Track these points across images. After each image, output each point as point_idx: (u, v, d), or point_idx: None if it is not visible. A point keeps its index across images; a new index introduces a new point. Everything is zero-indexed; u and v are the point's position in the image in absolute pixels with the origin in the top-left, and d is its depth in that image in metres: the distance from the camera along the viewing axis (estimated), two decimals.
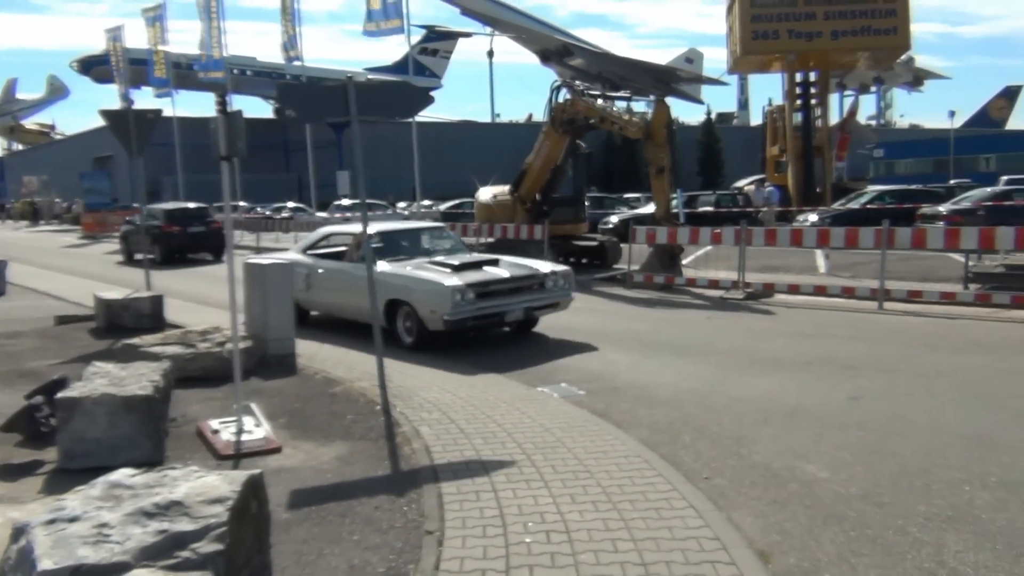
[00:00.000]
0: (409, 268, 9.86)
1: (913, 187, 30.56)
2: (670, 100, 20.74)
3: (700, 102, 59.91)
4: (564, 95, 18.30)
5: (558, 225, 17.63)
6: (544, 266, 10.43)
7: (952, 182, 36.39)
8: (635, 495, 4.84)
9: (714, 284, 14.21)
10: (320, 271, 10.93)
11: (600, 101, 18.58)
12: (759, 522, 4.56)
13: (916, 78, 54.35)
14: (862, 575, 3.91)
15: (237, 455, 5.77)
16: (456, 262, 9.84)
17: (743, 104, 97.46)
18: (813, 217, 24.87)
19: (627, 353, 9.22)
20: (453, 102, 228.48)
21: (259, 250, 25.27)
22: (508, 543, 4.22)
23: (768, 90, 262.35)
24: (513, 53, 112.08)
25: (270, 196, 48.32)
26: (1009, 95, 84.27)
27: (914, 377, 7.78)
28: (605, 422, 6.41)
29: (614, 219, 24.95)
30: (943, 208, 21.53)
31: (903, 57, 42.74)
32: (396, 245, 10.79)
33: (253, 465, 5.35)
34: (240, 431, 6.10)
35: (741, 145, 70.51)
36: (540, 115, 20.87)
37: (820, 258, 17.32)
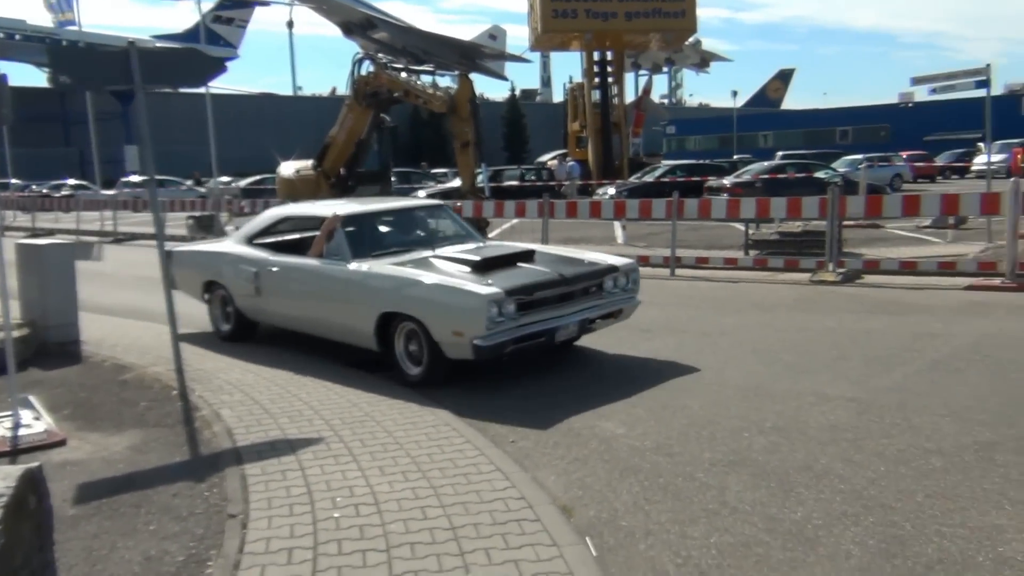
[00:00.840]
0: (410, 268, 7.04)
1: (701, 162, 32.72)
2: (475, 76, 20.95)
3: (504, 78, 60.77)
4: (367, 68, 18.04)
5: None
6: (600, 258, 7.77)
7: (735, 157, 39.22)
8: (444, 463, 4.91)
9: None
10: (274, 269, 8.01)
11: (404, 75, 18.45)
12: (562, 479, 4.76)
13: (703, 60, 57.75)
14: (655, 519, 4.18)
15: (14, 451, 5.30)
16: (477, 257, 7.14)
17: (546, 81, 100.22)
18: (611, 190, 26.06)
19: None
20: (252, 74, 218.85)
21: (35, 232, 23.22)
22: (316, 520, 4.16)
23: (569, 68, 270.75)
24: (315, 24, 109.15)
25: (48, 172, 44.37)
26: (783, 77, 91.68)
27: (701, 336, 8.37)
28: (415, 393, 6.42)
29: (421, 194, 24.96)
30: (727, 181, 23.17)
31: (691, 40, 45.34)
32: (379, 233, 8.08)
33: (33, 460, 4.94)
34: (17, 425, 5.61)
35: (544, 121, 72.38)
36: (344, 88, 20.46)
37: (618, 229, 18.16)
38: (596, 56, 38.26)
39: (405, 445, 5.24)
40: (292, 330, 8.27)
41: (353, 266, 7.27)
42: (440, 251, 7.55)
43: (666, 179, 26.25)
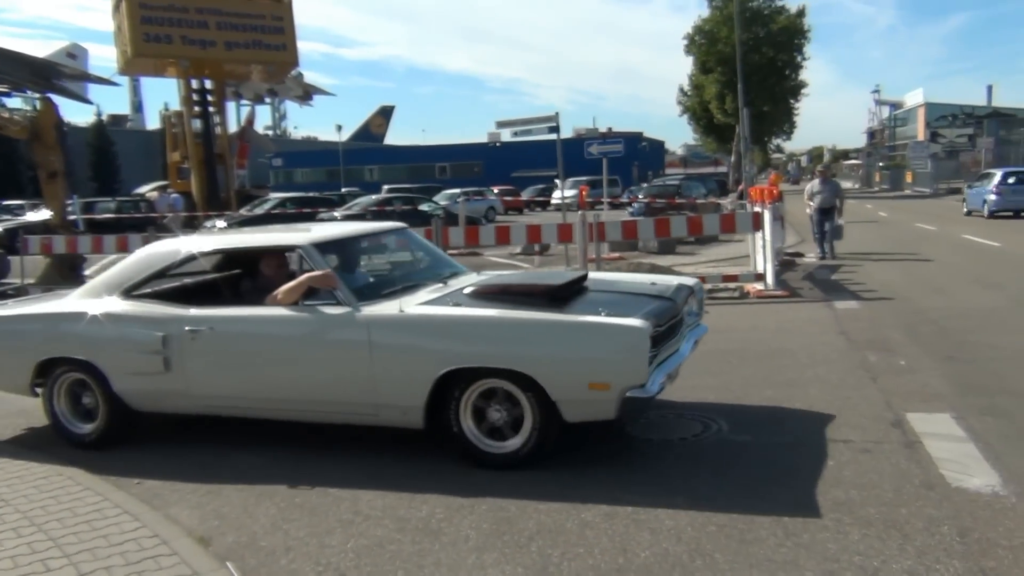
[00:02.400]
0: (459, 308, 5.20)
1: (311, 194, 33.15)
2: (56, 98, 19.17)
3: (88, 102, 56.18)
4: None
5: None
6: (667, 279, 6.45)
7: (344, 190, 40.29)
8: (62, 513, 4.62)
9: None
10: (203, 330, 5.48)
11: None
12: (196, 512, 4.74)
13: (305, 92, 58.14)
14: (294, 536, 4.38)
15: None
16: (546, 282, 5.54)
17: (138, 107, 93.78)
18: (221, 223, 25.30)
19: None
20: None
21: None
22: None
23: (164, 93, 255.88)
24: None
25: None
26: (385, 114, 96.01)
27: None
28: (16, 446, 5.88)
29: None
30: (337, 214, 23.84)
31: (293, 72, 45.59)
32: (354, 265, 6.18)
33: None
34: None
35: (137, 149, 67.92)
36: None
37: None
38: (195, 84, 36.78)
39: (12, 501, 4.82)
40: (228, 415, 5.89)
41: (373, 311, 5.23)
42: (456, 283, 5.83)
43: (276, 211, 26.22)
